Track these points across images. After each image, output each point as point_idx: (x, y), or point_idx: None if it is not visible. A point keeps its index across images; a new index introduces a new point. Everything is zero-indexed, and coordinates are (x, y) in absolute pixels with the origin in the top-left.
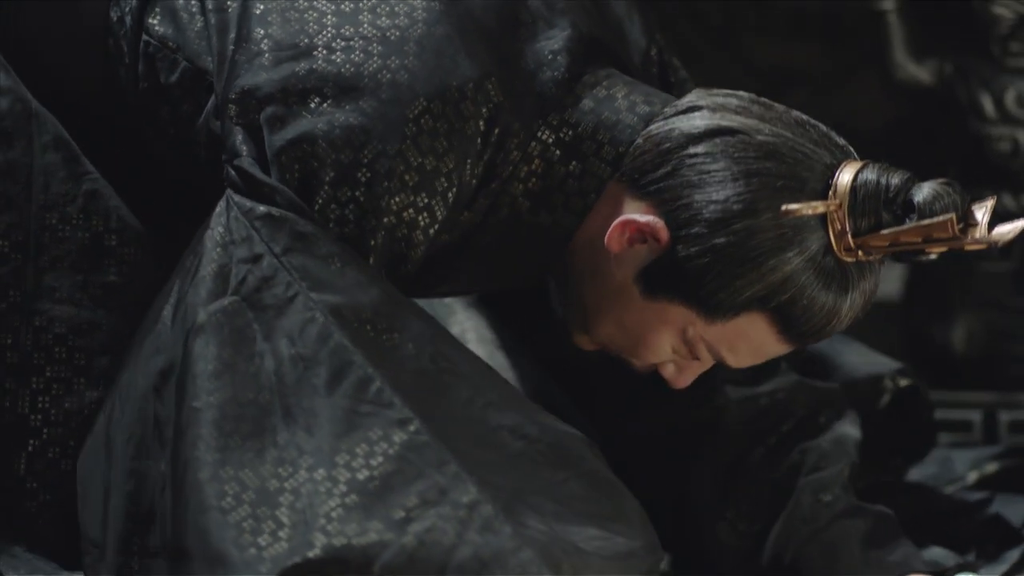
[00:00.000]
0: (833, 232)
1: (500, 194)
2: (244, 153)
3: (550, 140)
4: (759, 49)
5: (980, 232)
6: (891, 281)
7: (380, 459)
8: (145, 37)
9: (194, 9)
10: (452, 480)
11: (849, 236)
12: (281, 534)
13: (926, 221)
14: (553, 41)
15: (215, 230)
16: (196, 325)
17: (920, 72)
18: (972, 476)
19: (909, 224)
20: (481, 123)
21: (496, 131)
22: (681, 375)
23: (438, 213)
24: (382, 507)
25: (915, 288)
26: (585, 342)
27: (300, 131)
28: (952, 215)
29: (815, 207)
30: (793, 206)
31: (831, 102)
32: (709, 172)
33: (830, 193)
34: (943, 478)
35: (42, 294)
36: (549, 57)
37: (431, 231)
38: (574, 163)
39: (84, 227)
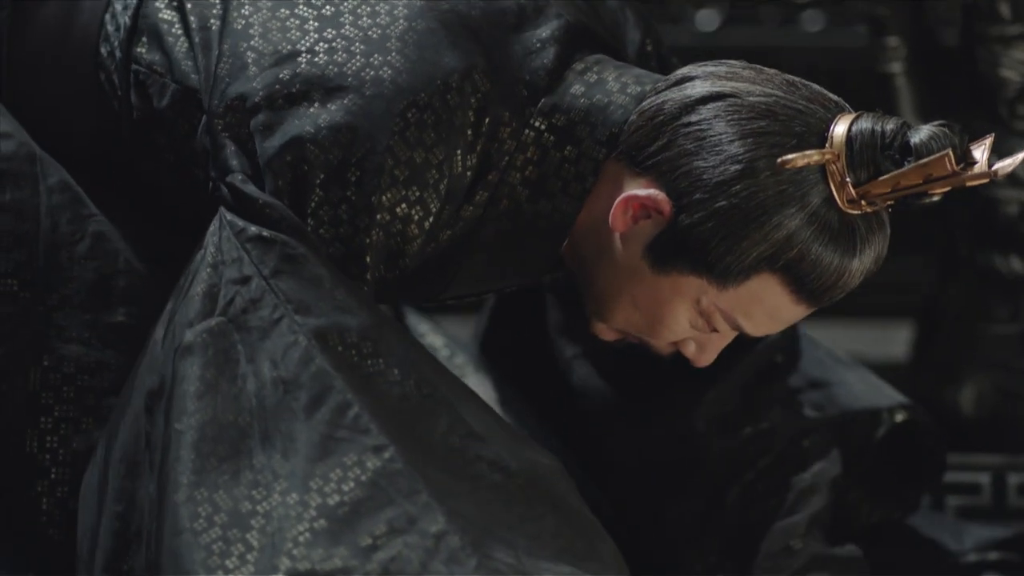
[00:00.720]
0: (834, 184)
1: (498, 185)
2: (235, 168)
3: (543, 127)
4: None
5: (980, 168)
6: (899, 343)
7: (352, 485)
8: (134, 66)
9: (178, 32)
10: (422, 509)
11: (850, 187)
12: (249, 557)
13: (924, 160)
14: (541, 30)
15: (207, 250)
16: (183, 345)
17: None
18: (972, 557)
19: (908, 166)
20: (470, 113)
21: (487, 120)
22: (703, 352)
23: (431, 205)
24: (350, 533)
25: (923, 350)
26: (604, 331)
27: (289, 136)
28: (949, 150)
29: (811, 156)
30: (790, 157)
31: None
32: (705, 138)
33: (827, 146)
34: (947, 546)
35: (51, 333)
36: (537, 45)
37: (426, 224)
38: (569, 148)
39: (92, 267)
